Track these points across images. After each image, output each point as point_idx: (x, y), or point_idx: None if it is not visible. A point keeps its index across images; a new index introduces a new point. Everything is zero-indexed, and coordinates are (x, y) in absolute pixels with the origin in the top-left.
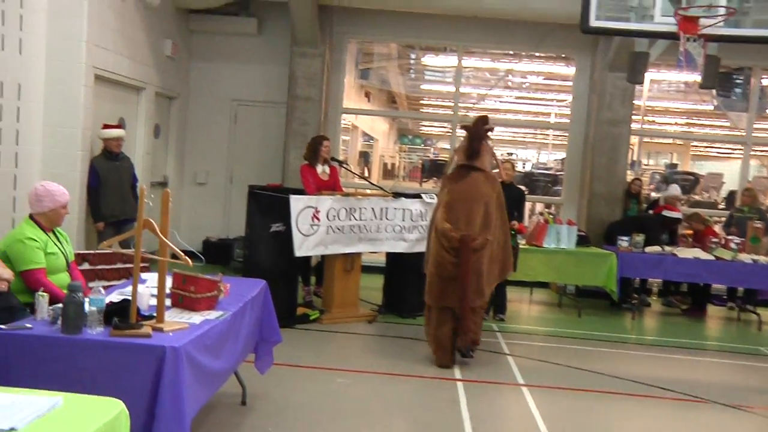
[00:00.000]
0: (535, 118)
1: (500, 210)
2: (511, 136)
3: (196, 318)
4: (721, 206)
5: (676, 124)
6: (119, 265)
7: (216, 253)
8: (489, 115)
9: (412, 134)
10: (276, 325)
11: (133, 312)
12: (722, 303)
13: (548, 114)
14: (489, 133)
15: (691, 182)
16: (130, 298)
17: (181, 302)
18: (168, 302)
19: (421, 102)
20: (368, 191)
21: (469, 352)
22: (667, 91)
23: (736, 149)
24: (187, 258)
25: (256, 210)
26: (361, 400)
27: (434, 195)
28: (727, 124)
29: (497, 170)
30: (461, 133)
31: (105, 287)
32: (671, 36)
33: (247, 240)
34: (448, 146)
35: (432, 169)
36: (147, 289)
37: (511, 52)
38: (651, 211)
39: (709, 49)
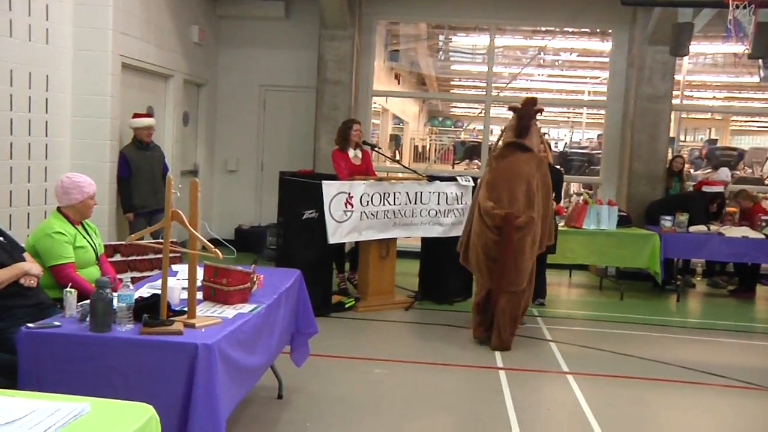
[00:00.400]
0: (568, 97)
1: (545, 190)
2: (543, 115)
3: (229, 312)
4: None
5: (714, 98)
6: (151, 256)
7: (248, 241)
8: (522, 95)
9: (442, 116)
10: (312, 317)
11: (163, 308)
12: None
13: (581, 92)
14: (538, 115)
15: (734, 158)
16: (159, 292)
17: (214, 295)
18: (199, 295)
19: (451, 83)
20: (400, 175)
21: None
22: (704, 65)
23: None
24: (216, 250)
25: (287, 197)
26: (401, 391)
27: (470, 177)
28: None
29: (545, 153)
30: (499, 113)
31: (136, 279)
32: (718, 4)
33: (280, 228)
34: (481, 127)
35: (465, 151)
36: (177, 282)
37: (545, 29)
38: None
39: (760, 16)
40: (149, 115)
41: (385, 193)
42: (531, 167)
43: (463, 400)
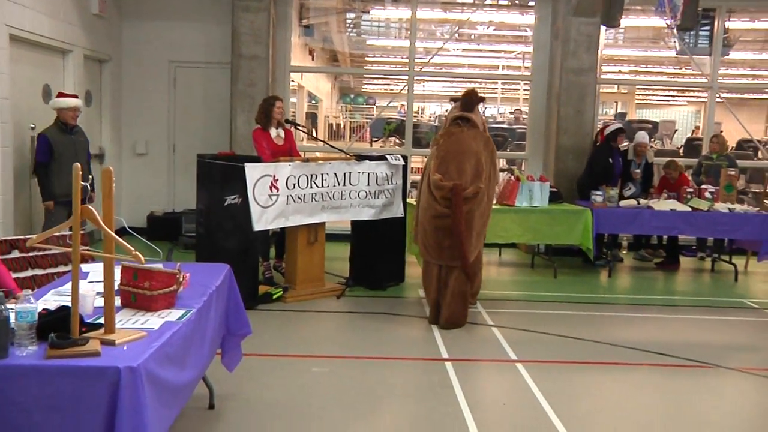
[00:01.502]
0: (484, 72)
1: (492, 169)
2: (457, 91)
3: (154, 321)
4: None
5: (620, 72)
6: (55, 251)
7: (163, 229)
8: (440, 69)
9: (354, 93)
10: (244, 316)
11: (74, 323)
12: (692, 253)
13: (496, 67)
14: (481, 100)
15: (649, 130)
16: (68, 303)
17: (134, 301)
18: (117, 302)
19: (365, 59)
20: (318, 154)
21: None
22: (618, 39)
23: (676, 96)
24: (138, 254)
25: (207, 182)
26: (343, 391)
27: (399, 156)
28: (681, 70)
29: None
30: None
31: (39, 278)
32: None
33: (200, 215)
34: (405, 103)
35: (392, 128)
36: (90, 287)
37: (462, 1)
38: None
39: None
40: (74, 95)
41: (312, 175)
42: (479, 144)
43: (411, 398)
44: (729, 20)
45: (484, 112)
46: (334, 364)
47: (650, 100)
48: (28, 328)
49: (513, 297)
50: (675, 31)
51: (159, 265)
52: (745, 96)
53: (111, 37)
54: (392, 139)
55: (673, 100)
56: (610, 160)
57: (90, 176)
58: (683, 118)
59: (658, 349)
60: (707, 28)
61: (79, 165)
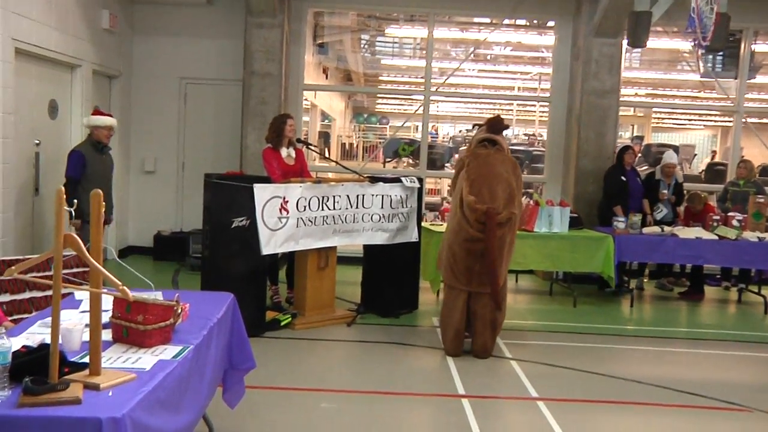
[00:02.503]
0: (501, 93)
1: (518, 193)
2: (471, 112)
3: (147, 359)
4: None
5: (636, 95)
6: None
7: (169, 249)
8: (455, 90)
9: (367, 113)
10: (249, 349)
11: (53, 365)
12: (716, 283)
13: (512, 88)
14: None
15: None
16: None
17: (126, 336)
18: (107, 335)
19: (379, 78)
20: (330, 175)
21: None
22: (634, 61)
23: (693, 120)
24: (125, 288)
25: (214, 202)
26: (353, 429)
27: (415, 178)
28: (700, 93)
29: None
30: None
31: (37, 300)
32: None
33: (206, 237)
34: (419, 124)
35: (409, 149)
36: (80, 318)
37: (479, 21)
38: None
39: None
40: (110, 114)
41: (323, 197)
42: (507, 169)
43: None
44: (756, 43)
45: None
46: (343, 400)
47: (666, 123)
48: (1, 370)
49: (532, 327)
50: (700, 52)
51: (157, 294)
52: (764, 120)
53: (121, 53)
54: (405, 159)
55: (690, 124)
56: (623, 178)
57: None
58: (700, 142)
59: (688, 389)
60: (732, 50)
61: (100, 192)
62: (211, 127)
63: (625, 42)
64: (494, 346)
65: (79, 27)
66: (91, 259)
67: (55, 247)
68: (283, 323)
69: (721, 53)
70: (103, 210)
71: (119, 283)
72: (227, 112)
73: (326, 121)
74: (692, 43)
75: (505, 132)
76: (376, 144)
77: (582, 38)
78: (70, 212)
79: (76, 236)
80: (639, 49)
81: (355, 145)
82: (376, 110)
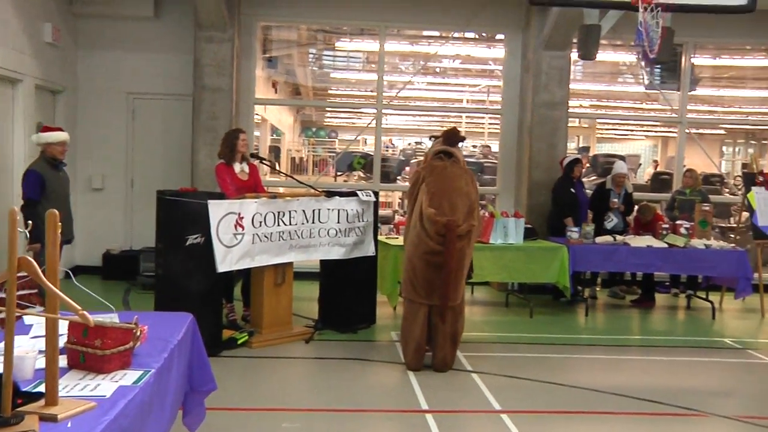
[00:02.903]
0: (452, 105)
1: (477, 206)
2: (419, 125)
3: (106, 386)
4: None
5: (590, 106)
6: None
7: (119, 268)
8: (406, 103)
9: (316, 126)
10: (209, 370)
11: (6, 397)
12: (666, 290)
13: (460, 100)
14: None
15: None
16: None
17: (83, 362)
18: (62, 362)
19: (329, 92)
20: (281, 190)
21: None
22: (576, 73)
23: (635, 131)
24: (85, 313)
25: (168, 220)
26: None
27: (371, 192)
28: (642, 105)
29: None
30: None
31: None
32: (625, 5)
33: (159, 256)
34: (368, 137)
35: (345, 162)
36: (32, 344)
37: (429, 34)
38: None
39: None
40: (60, 129)
41: (279, 212)
42: (468, 182)
43: None
44: (695, 56)
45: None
46: (305, 418)
47: (609, 134)
48: None
49: (490, 339)
50: (644, 65)
51: (113, 317)
52: (702, 131)
53: (65, 68)
54: (356, 173)
55: (632, 135)
56: (572, 190)
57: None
58: (642, 152)
59: (646, 396)
60: (673, 63)
61: (56, 212)
62: (160, 142)
63: (573, 54)
64: (455, 359)
65: (20, 40)
66: (49, 284)
67: (9, 270)
68: (240, 341)
69: (664, 65)
70: (60, 231)
71: (78, 307)
72: (177, 128)
73: (275, 135)
74: (637, 56)
75: (461, 144)
76: (326, 158)
77: (532, 51)
78: (26, 234)
79: (30, 259)
80: (581, 62)
81: (305, 159)
82: (325, 124)
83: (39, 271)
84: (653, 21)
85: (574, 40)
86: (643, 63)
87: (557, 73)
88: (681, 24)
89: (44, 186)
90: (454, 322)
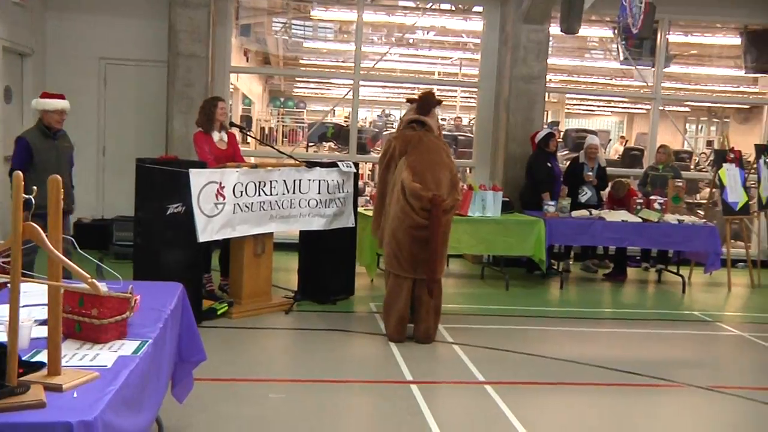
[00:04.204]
0: (425, 77)
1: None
2: (390, 96)
3: (106, 356)
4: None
5: (560, 81)
6: None
7: (91, 237)
8: (380, 74)
9: (284, 97)
10: (199, 341)
11: (11, 367)
12: (636, 264)
13: (432, 73)
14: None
15: None
16: (3, 340)
17: (79, 331)
18: None
19: (300, 61)
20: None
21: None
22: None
23: (601, 106)
24: (95, 281)
25: (147, 188)
26: (306, 420)
27: (351, 163)
28: (612, 81)
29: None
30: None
31: None
32: None
33: (138, 225)
34: (350, 108)
35: (338, 133)
36: (26, 313)
37: (405, 5)
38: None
39: None
40: (61, 96)
41: (260, 182)
42: (448, 156)
43: (380, 427)
44: (670, 33)
45: (439, 116)
46: (291, 389)
47: (577, 110)
48: None
49: (468, 311)
50: (625, 40)
51: (102, 285)
52: (672, 108)
53: (33, 29)
54: (328, 144)
55: (599, 111)
56: (548, 164)
57: (72, 187)
58: (609, 128)
59: (623, 367)
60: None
61: (59, 178)
62: (133, 109)
63: (552, 28)
64: (437, 331)
65: None
66: (54, 250)
67: (13, 237)
68: (219, 312)
69: (645, 41)
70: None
71: (87, 275)
72: (150, 95)
73: (245, 104)
74: (615, 31)
75: (438, 110)
76: (295, 128)
77: (510, 24)
78: (29, 200)
79: (35, 226)
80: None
81: (274, 130)
82: (293, 94)
83: (45, 238)
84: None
85: (553, 14)
86: (624, 38)
87: (535, 47)
88: (658, 0)
89: (33, 155)
90: (438, 295)
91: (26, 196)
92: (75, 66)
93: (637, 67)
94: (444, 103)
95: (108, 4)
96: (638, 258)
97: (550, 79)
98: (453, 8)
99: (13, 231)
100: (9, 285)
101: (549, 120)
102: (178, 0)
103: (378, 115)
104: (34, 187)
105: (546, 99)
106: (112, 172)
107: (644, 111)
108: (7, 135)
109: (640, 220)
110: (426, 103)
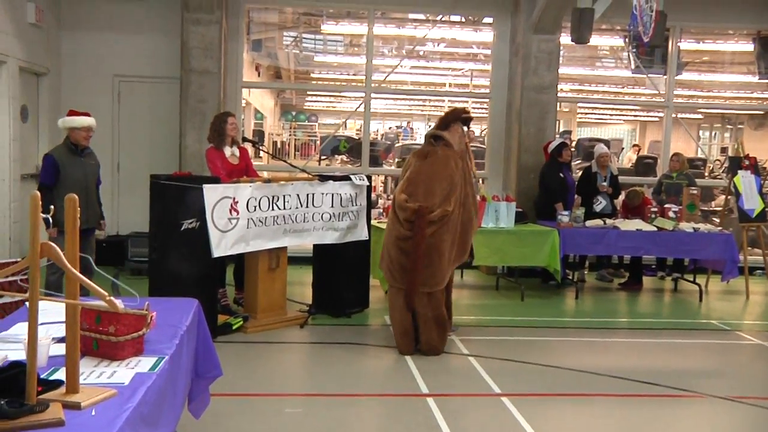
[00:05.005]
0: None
1: (467, 189)
2: (400, 109)
3: (123, 373)
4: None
5: (571, 91)
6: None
7: (107, 253)
8: (395, 87)
9: (296, 110)
10: (215, 356)
11: (31, 385)
12: (652, 273)
13: (443, 85)
14: (466, 122)
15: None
16: (22, 357)
17: (96, 349)
18: None
19: (311, 75)
20: (264, 174)
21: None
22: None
23: (614, 115)
24: (113, 299)
25: (162, 204)
26: None
27: (364, 176)
28: (623, 90)
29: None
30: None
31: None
32: None
33: (153, 240)
34: (361, 121)
35: (332, 146)
36: (44, 330)
37: (415, 17)
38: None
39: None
40: (87, 113)
41: (273, 197)
42: (453, 166)
43: None
44: (681, 41)
45: (468, 130)
46: (307, 404)
47: (590, 119)
48: None
49: (484, 323)
50: (636, 49)
51: (119, 303)
52: (685, 115)
53: (49, 49)
54: (340, 157)
55: (611, 119)
56: (561, 174)
57: (100, 204)
58: (621, 136)
59: (641, 378)
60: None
61: (75, 197)
62: (146, 126)
63: (563, 38)
64: (444, 343)
65: (2, 21)
66: (71, 268)
67: (31, 256)
68: (235, 327)
69: (657, 49)
70: (78, 216)
71: (105, 293)
72: (164, 111)
73: (257, 118)
74: (626, 40)
75: (461, 126)
76: (307, 142)
77: (521, 35)
78: (47, 219)
79: (53, 245)
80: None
81: (286, 144)
82: (305, 108)
83: (62, 256)
84: (647, 5)
85: (564, 24)
86: (635, 46)
87: (546, 57)
88: (667, 8)
89: (59, 172)
90: (434, 307)
91: (44, 216)
92: (89, 84)
93: (649, 75)
94: None
95: (121, 22)
96: (653, 267)
97: (562, 89)
98: (463, 20)
99: (31, 250)
100: (27, 304)
101: (561, 129)
102: (190, 18)
103: (398, 126)
104: (52, 207)
105: (558, 108)
106: (126, 188)
107: (657, 119)
108: (23, 154)
109: (655, 228)
110: (444, 119)
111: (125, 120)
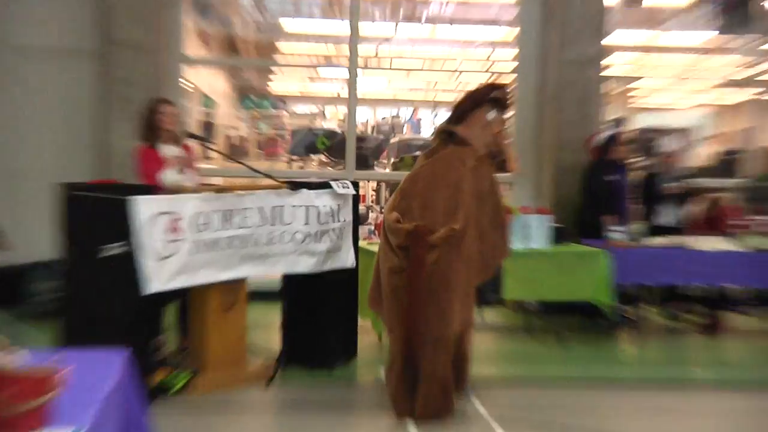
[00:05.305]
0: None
1: (493, 200)
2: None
3: None
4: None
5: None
6: None
7: None
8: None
9: (257, 94)
10: (149, 426)
11: None
12: (740, 309)
13: (452, 59)
14: (495, 103)
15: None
16: None
17: None
18: None
19: (279, 48)
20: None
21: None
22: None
23: (683, 98)
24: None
25: (76, 224)
26: None
27: (348, 182)
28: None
29: (501, 156)
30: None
31: None
32: None
33: (65, 271)
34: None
35: (303, 142)
36: None
37: None
38: None
39: None
40: None
41: (228, 211)
42: (462, 169)
43: None
44: None
45: (494, 118)
46: None
47: (650, 102)
48: None
49: (510, 376)
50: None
51: (16, 356)
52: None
53: None
54: (317, 157)
55: (680, 102)
56: (612, 177)
57: None
58: (693, 125)
59: None
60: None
61: None
62: (55, 117)
63: None
64: (451, 404)
65: None
66: None
67: None
68: (177, 386)
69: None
70: None
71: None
72: (79, 97)
73: (206, 106)
74: None
75: (493, 113)
76: (273, 137)
77: None
78: None
79: None
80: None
81: (246, 139)
82: (270, 92)
83: None
84: None
85: None
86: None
87: (590, 21)
88: None
89: None
90: (440, 362)
91: None
92: None
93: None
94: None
95: None
96: (742, 301)
97: (612, 63)
98: None
99: None
100: None
101: (611, 117)
102: None
103: (383, 117)
104: None
105: (607, 89)
106: (27, 201)
107: (744, 101)
108: None
109: (741, 248)
110: (458, 107)
111: (26, 108)
